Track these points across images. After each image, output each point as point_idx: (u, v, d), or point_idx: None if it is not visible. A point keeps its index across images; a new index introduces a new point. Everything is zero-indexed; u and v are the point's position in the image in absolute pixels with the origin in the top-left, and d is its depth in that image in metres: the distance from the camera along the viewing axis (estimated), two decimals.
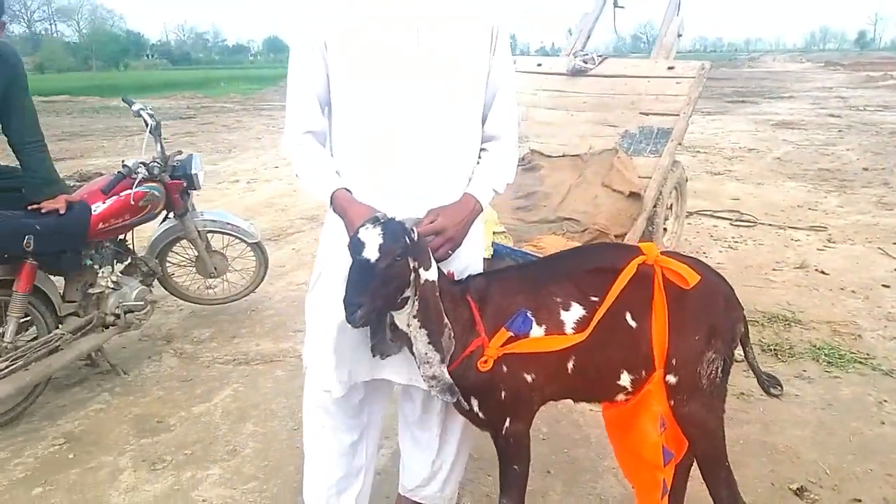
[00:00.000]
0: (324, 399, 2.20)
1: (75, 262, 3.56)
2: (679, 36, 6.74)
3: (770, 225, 6.61)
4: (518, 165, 5.53)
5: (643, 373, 2.04)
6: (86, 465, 3.05)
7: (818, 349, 3.95)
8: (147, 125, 3.94)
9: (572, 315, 2.00)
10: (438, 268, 1.95)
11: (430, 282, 1.83)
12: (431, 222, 1.90)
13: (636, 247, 2.06)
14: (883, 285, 4.98)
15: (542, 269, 2.13)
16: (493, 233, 4.57)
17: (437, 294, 1.84)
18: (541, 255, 4.46)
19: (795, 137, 12.60)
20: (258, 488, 2.85)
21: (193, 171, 4.13)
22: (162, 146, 4.00)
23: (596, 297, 2.00)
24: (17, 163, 3.33)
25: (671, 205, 5.65)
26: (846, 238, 6.22)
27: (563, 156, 5.58)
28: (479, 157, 2.11)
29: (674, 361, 2.00)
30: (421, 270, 1.81)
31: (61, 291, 3.62)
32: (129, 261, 3.98)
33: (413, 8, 1.89)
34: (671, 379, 2.01)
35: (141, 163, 3.79)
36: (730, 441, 3.04)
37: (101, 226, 3.59)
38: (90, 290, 3.65)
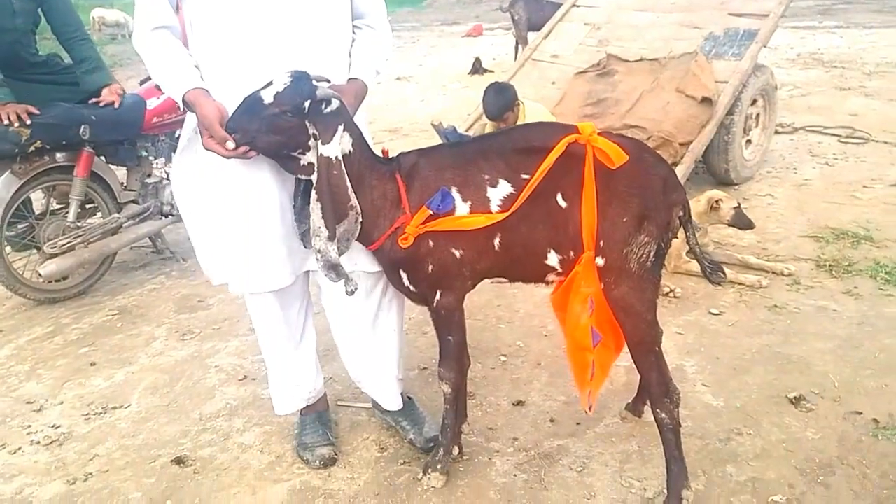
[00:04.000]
0: (269, 302, 2.25)
1: (132, 153, 3.91)
2: None
3: (885, 143, 5.93)
4: (592, 71, 5.40)
5: (571, 253, 1.99)
6: (128, 333, 3.43)
7: (880, 266, 3.59)
8: None
9: (499, 192, 1.98)
10: (364, 145, 1.99)
11: (326, 157, 1.84)
12: None
13: (572, 125, 1.98)
14: None
15: (474, 146, 2.11)
16: None
17: (340, 172, 1.85)
18: None
19: None
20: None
21: None
22: None
23: (526, 174, 1.96)
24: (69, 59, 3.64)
25: (756, 114, 5.22)
26: None
27: (641, 60, 5.27)
28: (354, 36, 2.11)
29: (601, 243, 1.94)
30: (319, 143, 1.84)
31: (124, 181, 4.00)
32: None
33: None
34: (600, 261, 1.96)
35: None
36: (742, 349, 2.98)
37: (155, 120, 3.88)
38: (147, 180, 3.98)
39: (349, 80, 2.09)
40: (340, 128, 1.88)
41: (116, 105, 3.63)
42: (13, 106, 3.32)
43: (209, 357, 3.15)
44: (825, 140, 6.16)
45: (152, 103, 3.85)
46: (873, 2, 23.70)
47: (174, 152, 4.04)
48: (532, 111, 4.45)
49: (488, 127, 4.69)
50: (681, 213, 1.99)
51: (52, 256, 3.54)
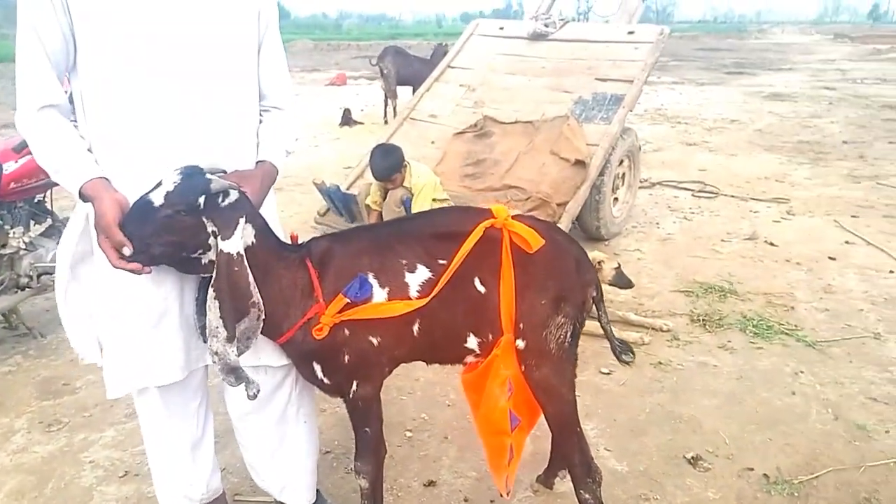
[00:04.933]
0: (155, 398, 2.04)
1: None
2: (643, 1, 6.62)
3: (732, 196, 6.51)
4: (470, 132, 5.54)
5: (490, 336, 1.98)
6: None
7: (747, 320, 3.89)
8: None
9: (418, 277, 1.94)
10: (268, 233, 1.88)
11: (226, 253, 1.71)
12: None
13: (487, 210, 2.00)
14: (829, 258, 4.90)
15: (390, 231, 2.07)
16: (434, 199, 4.49)
17: (241, 268, 1.73)
18: None
19: (783, 109, 12.39)
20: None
21: None
22: None
23: (444, 260, 1.94)
24: None
25: (623, 174, 5.56)
26: (807, 210, 6.12)
27: (516, 122, 5.48)
28: (261, 118, 2.03)
29: (521, 325, 1.95)
30: (219, 239, 1.71)
31: None
32: (48, 222, 3.92)
33: None
34: (520, 343, 1.96)
35: None
36: (636, 409, 3.07)
37: (13, 185, 3.52)
38: (2, 251, 3.59)
39: (257, 163, 1.99)
40: (242, 220, 1.75)
41: None
42: None
43: (82, 451, 2.84)
44: (681, 194, 6.66)
45: (9, 167, 3.49)
46: (699, 59, 26.34)
47: (32, 219, 3.77)
48: (418, 172, 4.49)
49: (373, 185, 4.67)
50: (594, 293, 2.05)
51: None
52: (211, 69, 1.81)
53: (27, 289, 3.67)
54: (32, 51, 1.68)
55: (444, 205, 4.60)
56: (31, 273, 3.66)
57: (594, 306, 2.09)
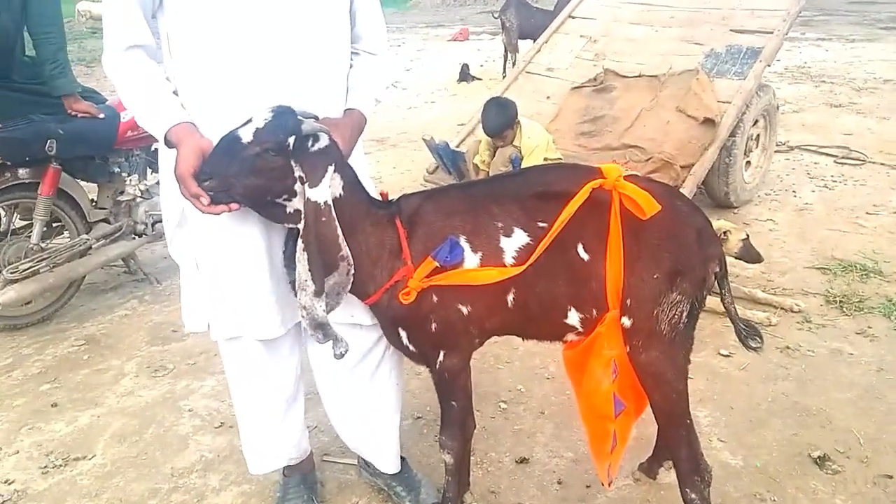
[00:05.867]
0: (252, 353, 1.98)
1: (103, 169, 3.63)
2: None
3: (882, 164, 5.81)
4: (588, 86, 5.21)
5: (594, 312, 1.78)
6: (95, 367, 3.16)
7: (893, 304, 3.43)
8: None
9: (514, 242, 1.76)
10: (357, 186, 1.77)
11: (313, 202, 1.61)
12: None
13: (596, 168, 1.78)
14: None
15: (486, 189, 1.89)
16: (546, 159, 4.26)
17: (329, 219, 1.63)
18: None
19: None
20: None
21: None
22: None
23: (544, 223, 1.75)
24: None
25: (757, 135, 5.07)
26: None
27: (640, 76, 5.09)
28: (352, 62, 1.90)
29: (629, 301, 1.73)
30: (306, 186, 1.61)
31: (94, 198, 3.72)
32: None
33: None
34: (626, 321, 1.75)
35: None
36: (757, 398, 2.78)
37: (129, 134, 3.61)
38: (120, 198, 3.71)
39: (346, 110, 1.87)
40: (330, 168, 1.65)
41: (94, 115, 3.38)
42: None
43: (183, 399, 2.90)
44: (821, 160, 6.04)
45: (126, 116, 3.57)
46: (852, 14, 23.92)
47: (149, 167, 3.87)
48: (529, 132, 4.26)
49: (482, 143, 4.49)
50: (717, 269, 1.79)
51: (13, 282, 3.26)
52: (301, 9, 1.71)
53: (143, 235, 3.79)
54: None
55: None
56: (146, 220, 3.77)
57: (716, 284, 1.83)
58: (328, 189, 1.64)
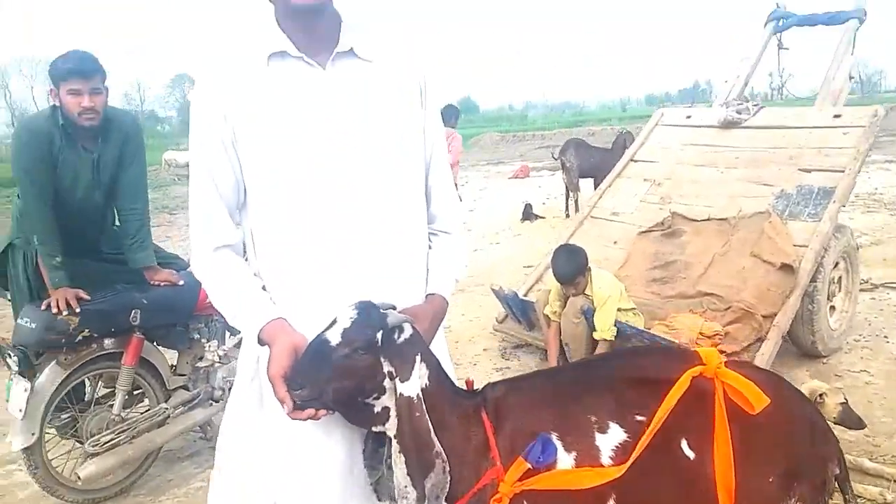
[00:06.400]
0: None
1: (184, 335, 3.72)
2: (851, 79, 5.99)
3: None
4: (657, 230, 5.16)
5: None
6: None
7: None
8: None
9: (610, 439, 1.66)
10: (441, 375, 1.71)
11: (406, 397, 1.56)
12: None
13: (693, 352, 1.69)
14: None
15: (574, 377, 1.81)
16: (619, 310, 4.17)
17: (422, 413, 1.57)
18: (671, 340, 3.99)
19: None
20: None
21: None
22: None
23: (642, 416, 1.65)
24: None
25: (839, 278, 4.87)
26: None
27: (709, 219, 5.05)
28: (430, 243, 1.88)
29: None
30: (396, 381, 1.57)
31: (173, 363, 3.79)
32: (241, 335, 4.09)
33: (332, 79, 1.65)
34: None
35: None
36: None
37: (209, 300, 3.70)
38: (199, 364, 3.77)
39: (427, 295, 1.85)
40: (418, 358, 1.61)
41: (174, 283, 3.51)
42: (64, 291, 3.20)
43: None
44: None
45: None
46: None
47: (228, 332, 3.94)
48: (600, 281, 4.20)
49: (552, 292, 4.44)
50: (836, 471, 1.64)
51: (94, 455, 3.28)
52: (380, 200, 1.72)
53: (221, 401, 3.80)
54: (206, 192, 1.67)
55: (631, 315, 4.26)
56: (224, 386, 3.80)
57: (838, 487, 1.67)
58: (418, 380, 1.60)
